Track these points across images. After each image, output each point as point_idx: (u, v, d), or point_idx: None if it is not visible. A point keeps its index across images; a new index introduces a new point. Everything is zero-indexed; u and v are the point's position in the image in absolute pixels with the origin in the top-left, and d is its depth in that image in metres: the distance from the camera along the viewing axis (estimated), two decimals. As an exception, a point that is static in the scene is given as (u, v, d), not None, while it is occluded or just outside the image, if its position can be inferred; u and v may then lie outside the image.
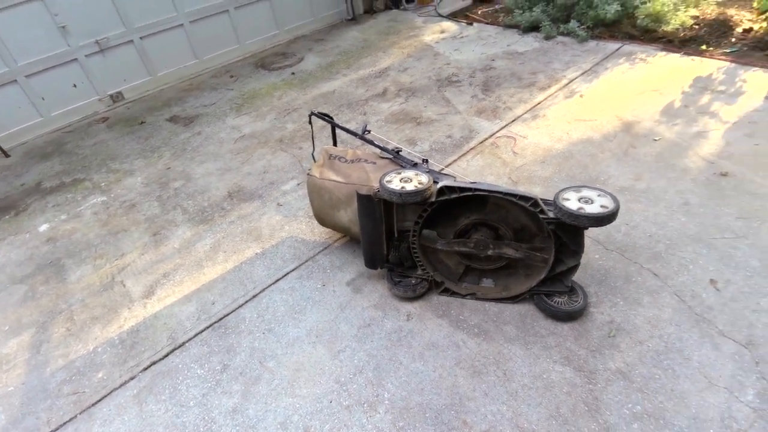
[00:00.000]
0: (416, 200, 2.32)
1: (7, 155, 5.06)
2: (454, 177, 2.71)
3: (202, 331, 2.80)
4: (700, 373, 2.22)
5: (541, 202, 2.25)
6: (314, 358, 2.54)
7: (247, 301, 2.94)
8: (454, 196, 2.34)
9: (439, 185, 2.36)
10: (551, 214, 2.24)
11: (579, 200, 2.18)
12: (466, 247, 2.55)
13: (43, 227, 3.91)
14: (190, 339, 2.76)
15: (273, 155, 4.38)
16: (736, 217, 2.99)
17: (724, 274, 2.66)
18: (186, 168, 4.39)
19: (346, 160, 2.94)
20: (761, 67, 4.46)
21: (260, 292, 2.99)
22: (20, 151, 5.18)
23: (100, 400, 2.51)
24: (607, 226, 2.18)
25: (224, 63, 6.61)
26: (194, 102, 5.67)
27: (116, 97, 5.85)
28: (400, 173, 2.46)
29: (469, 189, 2.31)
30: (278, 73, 6.14)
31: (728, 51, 4.79)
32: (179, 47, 6.15)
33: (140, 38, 5.77)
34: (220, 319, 2.86)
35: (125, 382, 2.58)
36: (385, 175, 2.44)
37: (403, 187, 2.33)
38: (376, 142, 3.05)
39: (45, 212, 4.09)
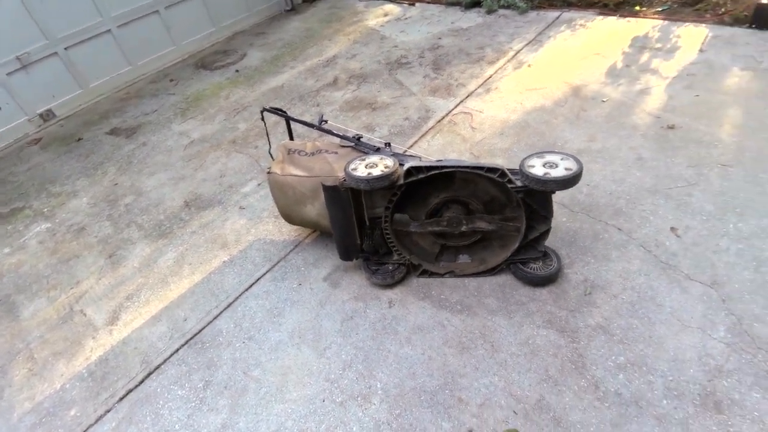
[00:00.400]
0: (384, 185, 2.28)
1: (-71, 191, 4.59)
2: (419, 157, 2.68)
3: (177, 350, 2.66)
4: (673, 317, 2.32)
5: (508, 172, 2.26)
6: (300, 359, 2.48)
7: (221, 312, 2.82)
8: (422, 176, 2.31)
9: (405, 167, 2.32)
10: (519, 183, 2.26)
11: (544, 165, 2.20)
12: (440, 226, 2.54)
13: (-16, 264, 3.59)
14: (165, 360, 2.62)
15: (228, 157, 4.21)
16: (686, 166, 3.14)
17: (683, 221, 2.79)
18: (135, 182, 4.15)
19: (307, 153, 2.85)
20: (691, 21, 4.68)
21: (234, 301, 2.87)
22: (-55, 185, 4.72)
23: (76, 439, 2.35)
24: (570, 188, 2.21)
25: (161, 67, 6.26)
26: (134, 111, 5.35)
27: (47, 116, 5.43)
28: (364, 160, 2.41)
29: (436, 167, 2.29)
30: (221, 71, 5.88)
31: (660, 9, 4.99)
32: (109, 54, 5.77)
33: (65, 49, 5.35)
34: (195, 334, 2.73)
35: (101, 416, 2.42)
36: (349, 163, 2.38)
37: (369, 173, 2.28)
38: (335, 132, 2.98)
39: (-17, 248, 3.76)
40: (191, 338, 2.71)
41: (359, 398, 2.25)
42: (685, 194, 2.95)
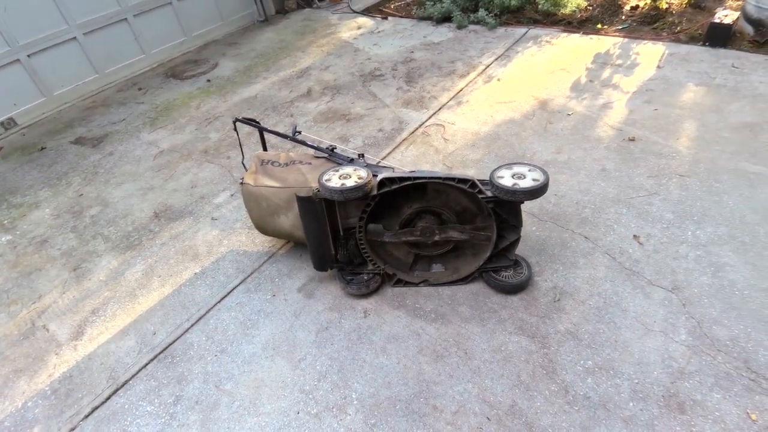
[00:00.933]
0: (358, 195, 2.30)
1: None
2: (392, 168, 2.72)
3: (146, 364, 2.59)
4: (637, 322, 2.42)
5: (478, 183, 2.32)
6: (274, 371, 2.45)
7: (192, 325, 2.76)
8: (394, 186, 2.35)
9: (378, 178, 2.36)
10: (489, 193, 2.32)
11: (513, 176, 2.27)
12: (413, 236, 2.57)
13: (-63, 279, 3.41)
14: (133, 376, 2.55)
15: (199, 168, 4.15)
16: (647, 177, 3.29)
17: (645, 228, 2.92)
18: (101, 192, 4.03)
19: (280, 164, 2.85)
20: (650, 39, 4.94)
21: (206, 313, 2.82)
22: None
23: (37, 461, 2.25)
24: (539, 198, 2.29)
25: (130, 75, 6.14)
26: (101, 120, 5.21)
27: (7, 124, 5.22)
28: (338, 171, 2.43)
29: (409, 178, 2.33)
30: (192, 81, 5.81)
31: (620, 27, 5.25)
32: (75, 62, 5.61)
33: (28, 56, 5.18)
34: (165, 348, 2.66)
35: (65, 435, 2.33)
36: (323, 174, 2.39)
37: (343, 184, 2.30)
38: (308, 143, 2.99)
39: (-64, 262, 3.56)
40: (161, 352, 2.64)
41: (334, 409, 2.24)
42: (646, 203, 3.09)
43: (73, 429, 2.34)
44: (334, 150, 2.85)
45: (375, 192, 2.37)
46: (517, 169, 2.32)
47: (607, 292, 2.58)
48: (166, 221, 3.59)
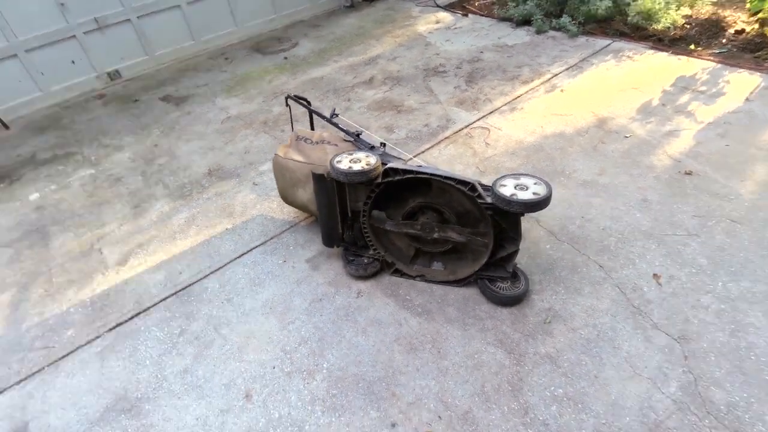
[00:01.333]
0: (361, 180, 2.43)
1: (6, 127, 5.27)
2: (403, 161, 2.80)
3: (166, 297, 2.97)
4: (626, 363, 2.30)
5: (479, 188, 2.33)
6: (265, 327, 2.69)
7: (211, 273, 3.09)
8: (398, 177, 2.44)
9: (384, 167, 2.46)
10: (489, 199, 2.32)
11: (515, 187, 2.25)
12: (413, 229, 2.64)
13: (34, 196, 4.10)
14: (154, 305, 2.93)
15: (255, 137, 4.51)
16: (692, 215, 3.03)
17: (669, 269, 2.72)
18: (172, 146, 4.55)
19: (312, 142, 3.05)
20: (748, 69, 4.42)
21: (225, 265, 3.13)
22: (19, 123, 5.38)
23: (66, 355, 2.70)
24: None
25: (221, 45, 6.73)
26: (188, 82, 5.81)
27: (113, 75, 6.02)
28: (351, 154, 2.56)
29: (411, 171, 2.41)
30: (272, 57, 6.24)
31: (717, 52, 4.75)
32: (177, 28, 6.29)
33: (138, 17, 5.91)
34: (185, 287, 3.02)
35: (91, 341, 2.76)
36: (336, 155, 2.55)
37: (350, 167, 2.44)
38: (341, 126, 3.15)
39: (37, 182, 4.28)
40: (181, 290, 3.00)
41: (305, 372, 2.42)
42: (680, 243, 2.86)
43: (98, 337, 2.77)
44: (360, 135, 2.99)
45: (380, 180, 2.48)
46: (523, 180, 2.30)
47: (604, 326, 2.47)
48: (216, 179, 3.99)
